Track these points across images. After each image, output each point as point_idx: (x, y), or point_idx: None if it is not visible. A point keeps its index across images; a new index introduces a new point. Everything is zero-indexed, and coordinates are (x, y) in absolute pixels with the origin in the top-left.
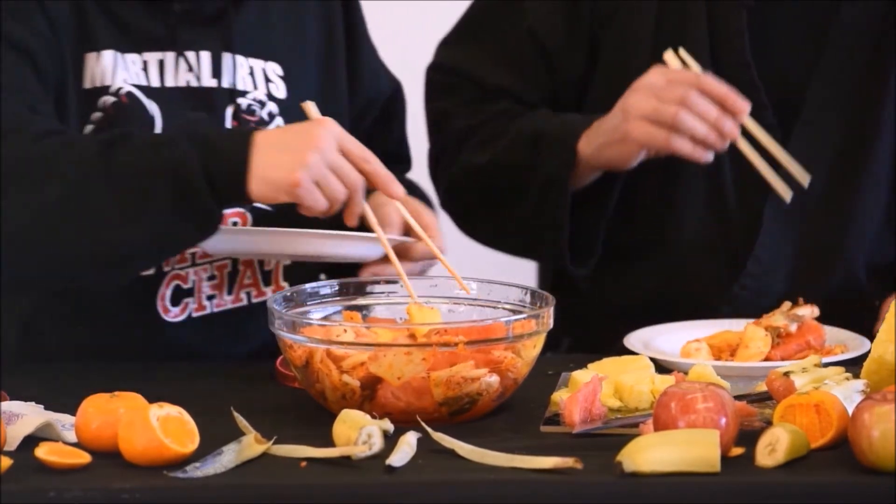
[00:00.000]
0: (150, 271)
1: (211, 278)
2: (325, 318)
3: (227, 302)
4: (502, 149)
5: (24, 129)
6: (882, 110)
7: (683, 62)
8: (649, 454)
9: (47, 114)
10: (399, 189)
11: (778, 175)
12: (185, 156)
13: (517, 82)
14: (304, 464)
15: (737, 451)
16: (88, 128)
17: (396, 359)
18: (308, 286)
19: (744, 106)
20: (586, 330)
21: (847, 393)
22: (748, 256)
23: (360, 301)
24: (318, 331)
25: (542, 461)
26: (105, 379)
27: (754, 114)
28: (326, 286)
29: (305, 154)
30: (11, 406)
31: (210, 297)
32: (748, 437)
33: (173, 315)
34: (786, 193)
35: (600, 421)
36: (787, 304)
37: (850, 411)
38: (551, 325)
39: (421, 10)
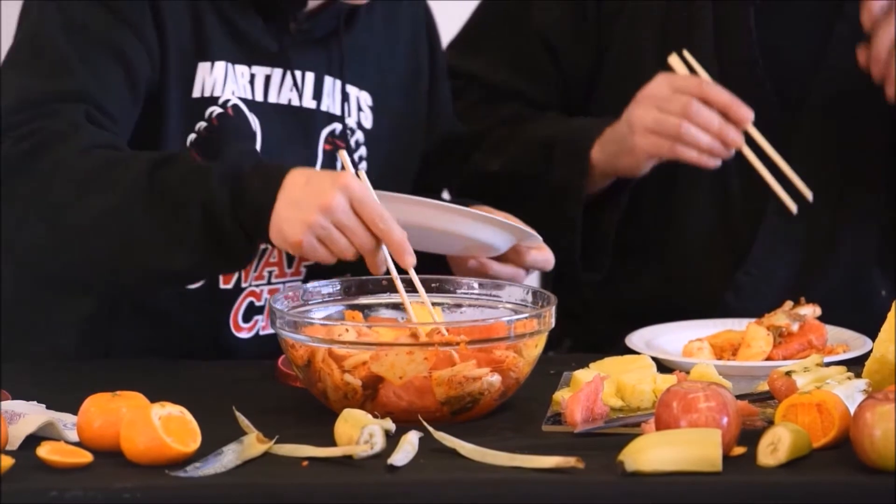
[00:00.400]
0: (229, 285)
1: None
2: (327, 317)
3: None
4: (514, 156)
5: (71, 139)
6: (886, 106)
7: (689, 66)
8: (651, 454)
9: (125, 119)
10: (410, 259)
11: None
12: (216, 197)
13: (526, 84)
14: (305, 463)
15: (738, 450)
16: (191, 137)
17: (398, 358)
18: (310, 285)
19: (747, 114)
20: (588, 329)
21: (849, 392)
22: (752, 246)
23: (362, 300)
24: (320, 330)
25: (544, 461)
26: (107, 378)
27: (760, 109)
28: (328, 285)
29: (313, 215)
30: (13, 405)
31: None
32: (750, 436)
33: (244, 331)
34: (791, 205)
35: (602, 420)
36: (788, 304)
37: (852, 411)
38: (553, 325)
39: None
